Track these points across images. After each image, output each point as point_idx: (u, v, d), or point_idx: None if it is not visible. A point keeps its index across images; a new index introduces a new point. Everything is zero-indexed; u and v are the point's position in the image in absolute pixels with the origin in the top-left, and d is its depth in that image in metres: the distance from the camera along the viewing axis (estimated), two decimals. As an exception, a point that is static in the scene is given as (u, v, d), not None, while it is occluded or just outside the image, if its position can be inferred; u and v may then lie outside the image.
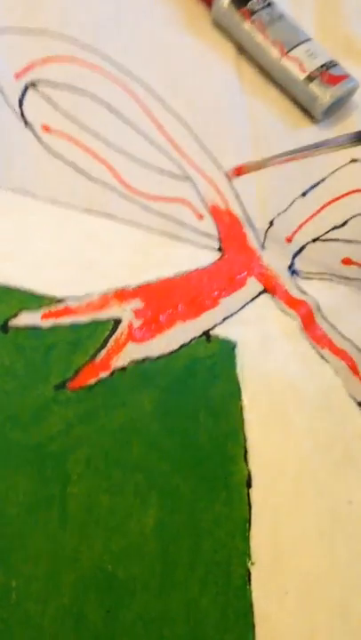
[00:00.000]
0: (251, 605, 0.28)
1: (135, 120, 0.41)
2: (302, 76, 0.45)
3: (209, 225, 0.40)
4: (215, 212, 0.40)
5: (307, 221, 0.42)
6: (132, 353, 0.33)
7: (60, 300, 0.34)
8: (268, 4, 0.46)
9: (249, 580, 0.29)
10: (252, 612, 0.28)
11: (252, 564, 0.29)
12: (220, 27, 0.48)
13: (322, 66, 0.45)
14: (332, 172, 0.43)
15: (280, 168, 0.43)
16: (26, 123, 0.39)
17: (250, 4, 0.46)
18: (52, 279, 0.34)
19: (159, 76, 0.44)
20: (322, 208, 0.42)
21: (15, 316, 0.33)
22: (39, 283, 0.34)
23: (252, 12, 0.46)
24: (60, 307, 0.33)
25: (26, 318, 0.33)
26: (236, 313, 0.37)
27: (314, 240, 0.41)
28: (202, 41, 0.47)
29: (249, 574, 0.29)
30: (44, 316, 0.33)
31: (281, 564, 0.30)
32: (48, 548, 0.28)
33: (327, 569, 0.30)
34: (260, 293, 0.38)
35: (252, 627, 0.28)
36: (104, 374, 0.32)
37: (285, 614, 0.29)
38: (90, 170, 0.38)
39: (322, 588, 0.29)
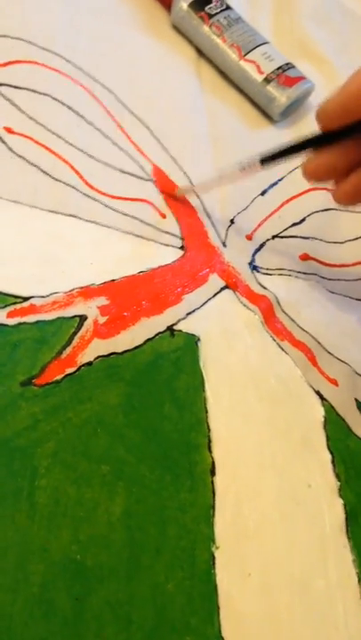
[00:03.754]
0: (215, 588, 0.29)
1: (97, 121, 0.42)
2: (260, 78, 0.46)
3: (172, 224, 0.41)
4: (177, 212, 0.41)
5: (266, 219, 0.43)
6: (97, 349, 0.34)
7: (25, 299, 0.34)
8: (226, 8, 0.48)
9: (213, 563, 0.30)
10: (217, 595, 0.29)
11: (217, 548, 0.30)
12: (180, 30, 0.49)
13: (278, 68, 0.46)
14: (291, 172, 0.45)
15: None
16: (-12, 125, 0.39)
17: (208, 7, 0.47)
18: (16, 278, 0.35)
19: (120, 78, 0.44)
20: (281, 206, 0.44)
21: (-20, 314, 0.33)
22: (4, 282, 0.34)
23: (211, 16, 0.47)
24: (26, 305, 0.34)
25: (-9, 317, 0.33)
26: (198, 308, 0.38)
27: (273, 237, 0.43)
28: (162, 44, 0.48)
29: (213, 558, 0.30)
30: (10, 315, 0.33)
31: (244, 547, 0.31)
32: (17, 539, 0.28)
33: (288, 550, 0.31)
34: (221, 289, 0.39)
35: (217, 608, 0.29)
36: (70, 370, 0.33)
37: (248, 595, 0.30)
38: (53, 170, 0.39)
39: (283, 568, 0.31)
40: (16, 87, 0.41)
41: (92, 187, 0.39)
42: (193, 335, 0.36)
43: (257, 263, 0.41)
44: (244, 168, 0.37)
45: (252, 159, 0.36)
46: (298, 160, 0.45)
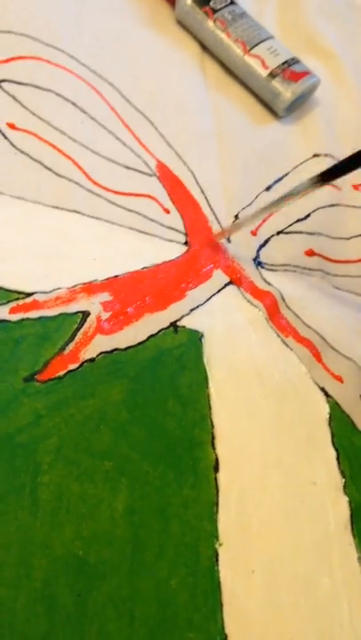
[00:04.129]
0: (219, 585, 0.29)
1: (101, 117, 0.42)
2: (265, 73, 0.46)
3: (175, 219, 0.40)
4: (181, 207, 0.41)
5: (271, 215, 0.43)
6: (100, 345, 0.34)
7: (28, 295, 0.34)
8: (231, 3, 0.47)
9: (217, 560, 0.30)
10: (220, 592, 0.29)
11: (220, 545, 0.30)
12: (184, 25, 0.48)
13: (284, 63, 0.46)
14: (295, 167, 0.45)
15: (245, 164, 0.44)
16: (-9, 121, 0.39)
17: (212, 2, 0.47)
18: (20, 274, 0.35)
19: (124, 74, 0.44)
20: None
21: (-17, 310, 0.33)
22: (7, 277, 0.34)
23: (215, 11, 0.47)
24: (28, 300, 0.34)
25: (-7, 312, 0.33)
26: (202, 304, 0.38)
27: (278, 233, 0.42)
28: (166, 39, 0.48)
29: (217, 555, 0.30)
30: (12, 310, 0.33)
31: (248, 544, 0.31)
32: (19, 535, 0.28)
33: (292, 548, 0.31)
34: (226, 285, 0.39)
35: (221, 605, 0.29)
36: (73, 366, 0.33)
37: (252, 593, 0.29)
38: (56, 166, 0.39)
39: (287, 566, 0.30)
40: (19, 83, 0.41)
41: (95, 182, 0.39)
42: (197, 331, 0.36)
43: (262, 259, 0.41)
44: (298, 193, 0.34)
45: (304, 183, 0.33)
46: (302, 155, 0.46)
